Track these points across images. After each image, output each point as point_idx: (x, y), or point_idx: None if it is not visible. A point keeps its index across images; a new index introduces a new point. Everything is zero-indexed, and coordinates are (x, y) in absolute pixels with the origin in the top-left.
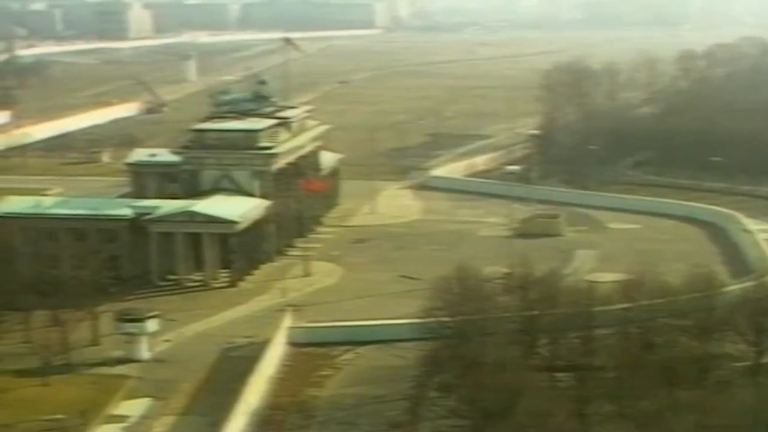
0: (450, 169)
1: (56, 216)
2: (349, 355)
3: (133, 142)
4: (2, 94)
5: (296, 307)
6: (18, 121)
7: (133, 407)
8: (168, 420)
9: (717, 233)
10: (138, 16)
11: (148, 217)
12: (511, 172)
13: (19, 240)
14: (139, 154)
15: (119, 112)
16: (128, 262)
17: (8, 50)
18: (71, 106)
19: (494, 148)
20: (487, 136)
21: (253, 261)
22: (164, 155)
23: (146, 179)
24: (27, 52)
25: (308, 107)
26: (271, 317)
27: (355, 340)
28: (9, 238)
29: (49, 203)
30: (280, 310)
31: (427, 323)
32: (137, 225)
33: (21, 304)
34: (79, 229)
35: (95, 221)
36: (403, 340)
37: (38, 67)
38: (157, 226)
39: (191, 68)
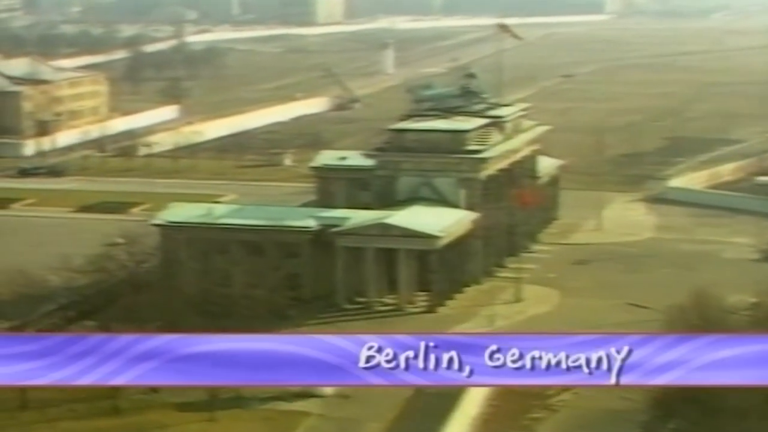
0: (690, 179)
1: (229, 226)
2: (566, 395)
3: (319, 143)
4: (171, 86)
5: None
6: (188, 117)
7: None
8: None
9: None
10: None
11: (335, 229)
12: (764, 184)
13: (185, 253)
14: (327, 157)
15: (304, 108)
16: (310, 280)
17: (177, 36)
18: (249, 101)
19: (744, 155)
20: (736, 141)
21: (456, 283)
22: (355, 158)
23: (334, 186)
24: (198, 38)
25: (525, 105)
26: None
27: None
28: (175, 250)
29: (222, 212)
30: None
31: None
32: (322, 238)
33: (185, 326)
34: (254, 242)
35: (274, 233)
36: None
37: (211, 55)
38: (346, 240)
39: (388, 59)
